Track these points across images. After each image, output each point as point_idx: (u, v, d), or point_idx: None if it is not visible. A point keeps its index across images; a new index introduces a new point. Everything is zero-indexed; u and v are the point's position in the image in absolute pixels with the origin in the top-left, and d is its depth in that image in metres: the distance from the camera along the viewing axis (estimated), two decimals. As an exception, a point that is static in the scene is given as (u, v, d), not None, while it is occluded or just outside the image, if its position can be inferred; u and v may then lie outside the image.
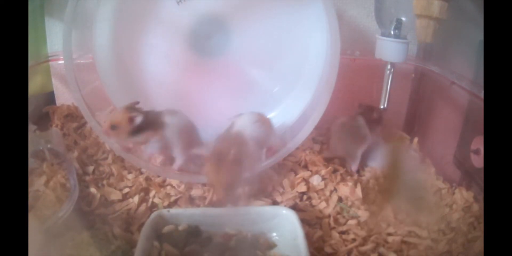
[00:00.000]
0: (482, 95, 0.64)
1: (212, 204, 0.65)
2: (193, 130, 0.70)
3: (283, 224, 0.58)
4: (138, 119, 0.62)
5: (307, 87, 0.75)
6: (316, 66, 0.73)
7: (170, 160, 0.73)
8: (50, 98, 0.92)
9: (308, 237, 0.57)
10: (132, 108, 0.64)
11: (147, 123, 0.63)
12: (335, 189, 0.69)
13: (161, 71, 0.76)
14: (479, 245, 0.57)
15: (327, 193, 0.68)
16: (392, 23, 0.70)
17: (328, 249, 0.59)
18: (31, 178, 0.66)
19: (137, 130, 0.63)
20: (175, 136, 0.66)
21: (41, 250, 0.48)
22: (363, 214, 0.64)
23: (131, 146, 0.68)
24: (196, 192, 0.68)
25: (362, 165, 0.77)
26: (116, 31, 0.72)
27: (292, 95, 0.78)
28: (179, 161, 0.69)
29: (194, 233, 0.57)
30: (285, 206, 0.64)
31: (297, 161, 0.74)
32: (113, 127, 0.62)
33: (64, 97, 0.92)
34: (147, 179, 0.70)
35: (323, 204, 0.66)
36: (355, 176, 0.72)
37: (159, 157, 0.73)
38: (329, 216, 0.65)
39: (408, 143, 0.81)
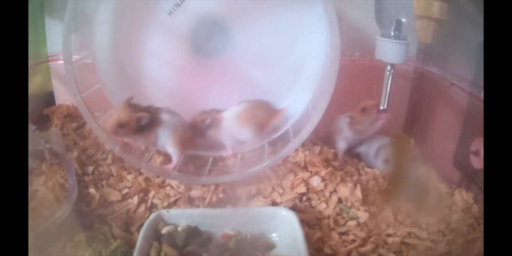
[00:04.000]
0: (482, 96, 0.64)
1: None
2: (188, 130, 0.71)
3: (283, 225, 0.58)
4: (144, 120, 0.65)
5: (307, 88, 0.75)
6: (316, 67, 0.73)
7: (169, 160, 0.73)
8: (49, 98, 0.92)
9: (307, 238, 0.57)
10: (135, 106, 0.66)
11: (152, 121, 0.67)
12: (335, 190, 0.69)
13: (160, 71, 0.76)
14: (479, 246, 0.57)
15: (327, 194, 0.68)
16: (392, 24, 0.69)
17: (327, 250, 0.59)
18: (30, 178, 0.66)
19: (142, 128, 0.66)
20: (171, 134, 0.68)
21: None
22: (362, 215, 0.64)
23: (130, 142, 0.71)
24: (195, 192, 0.68)
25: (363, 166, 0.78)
26: (115, 32, 0.72)
27: (292, 96, 0.77)
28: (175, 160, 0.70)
29: (193, 233, 0.56)
30: (284, 207, 0.64)
31: (297, 162, 0.74)
32: (121, 125, 0.64)
33: (63, 97, 0.92)
34: (147, 179, 0.70)
35: (323, 205, 0.66)
36: (355, 177, 0.72)
37: (159, 158, 0.73)
38: (328, 217, 0.65)
39: (411, 144, 0.81)
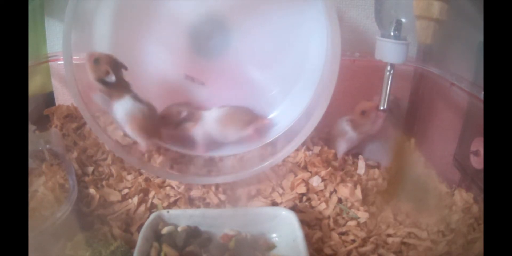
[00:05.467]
0: (482, 96, 0.64)
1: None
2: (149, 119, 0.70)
3: (283, 225, 0.58)
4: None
5: (307, 88, 0.75)
6: (316, 67, 0.73)
7: (170, 161, 0.73)
8: (49, 98, 0.92)
9: (307, 238, 0.57)
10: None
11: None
12: (335, 190, 0.69)
13: (161, 71, 0.75)
14: (479, 246, 0.57)
15: (327, 194, 0.68)
16: (392, 24, 0.69)
17: (327, 250, 0.59)
18: (30, 178, 0.65)
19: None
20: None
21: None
22: (362, 215, 0.64)
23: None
24: (195, 193, 0.68)
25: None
26: (116, 32, 0.72)
27: (292, 96, 0.77)
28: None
29: (193, 234, 0.56)
30: (284, 207, 0.64)
31: (297, 162, 0.74)
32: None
33: (63, 97, 0.92)
34: (147, 180, 0.70)
35: (323, 205, 0.66)
36: (355, 177, 0.72)
37: (159, 158, 0.73)
38: (328, 217, 0.65)
39: (411, 144, 0.81)
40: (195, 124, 0.72)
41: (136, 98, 0.68)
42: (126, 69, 0.68)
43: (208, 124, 0.73)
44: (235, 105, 0.75)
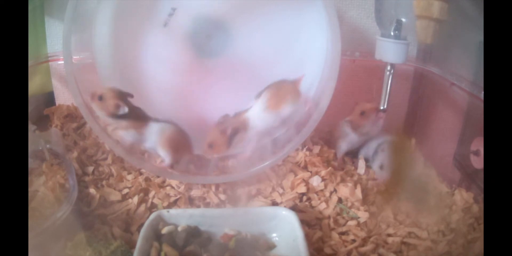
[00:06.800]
0: (482, 96, 0.64)
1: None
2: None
3: (283, 225, 0.58)
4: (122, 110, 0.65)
5: (307, 88, 0.75)
6: (317, 67, 0.73)
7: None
8: (49, 98, 0.92)
9: (307, 238, 0.57)
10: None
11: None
12: (335, 190, 0.69)
13: (161, 71, 0.75)
14: (479, 246, 0.57)
15: (327, 194, 0.68)
16: (392, 24, 0.70)
17: (327, 250, 0.59)
18: (30, 178, 0.66)
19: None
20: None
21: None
22: (362, 215, 0.64)
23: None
24: (195, 192, 0.68)
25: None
26: (116, 31, 0.72)
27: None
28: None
29: (193, 233, 0.56)
30: (285, 207, 0.64)
31: (297, 162, 0.74)
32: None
33: (63, 97, 0.92)
34: (147, 179, 0.70)
35: (323, 205, 0.66)
36: (355, 177, 0.72)
37: (159, 157, 0.73)
38: (328, 217, 0.65)
39: (411, 144, 0.81)
40: (245, 132, 0.67)
41: (157, 120, 0.69)
42: (132, 96, 0.67)
43: (258, 118, 0.67)
44: (266, 89, 0.69)
